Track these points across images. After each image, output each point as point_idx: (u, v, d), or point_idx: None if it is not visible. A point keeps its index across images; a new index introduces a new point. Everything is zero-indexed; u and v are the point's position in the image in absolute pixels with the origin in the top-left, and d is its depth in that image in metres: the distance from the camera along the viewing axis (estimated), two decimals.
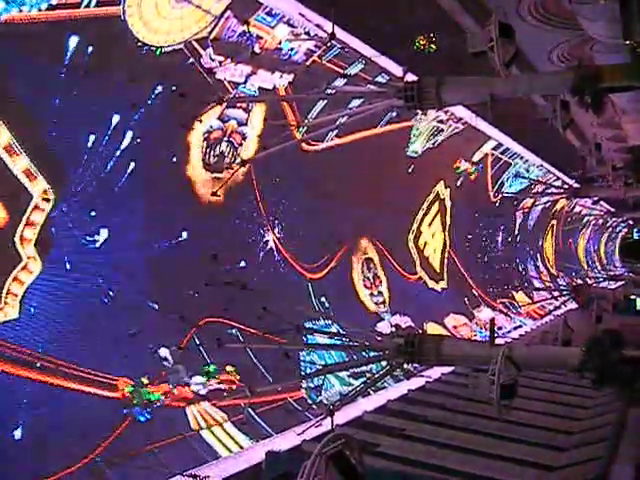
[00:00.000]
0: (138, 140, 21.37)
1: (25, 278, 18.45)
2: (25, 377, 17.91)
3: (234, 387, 23.34)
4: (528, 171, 53.64)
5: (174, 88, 21.50)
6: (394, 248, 39.33)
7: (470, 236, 51.68)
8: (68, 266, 19.83)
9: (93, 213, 20.60)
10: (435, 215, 45.11)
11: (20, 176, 18.16)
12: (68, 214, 19.58)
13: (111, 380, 20.09)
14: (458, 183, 46.88)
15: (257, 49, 23.32)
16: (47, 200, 18.75)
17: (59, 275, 19.52)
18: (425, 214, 43.55)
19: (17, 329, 18.14)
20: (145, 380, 20.98)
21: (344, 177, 33.20)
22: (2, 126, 17.50)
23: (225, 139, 24.97)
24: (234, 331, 24.16)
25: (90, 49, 18.82)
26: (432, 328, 39.65)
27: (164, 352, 21.93)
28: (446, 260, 47.10)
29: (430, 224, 44.56)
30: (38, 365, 18.29)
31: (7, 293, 18.10)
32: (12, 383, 17.60)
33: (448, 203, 46.55)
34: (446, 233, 47.21)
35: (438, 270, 45.90)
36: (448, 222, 47.17)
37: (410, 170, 39.66)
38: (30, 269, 18.57)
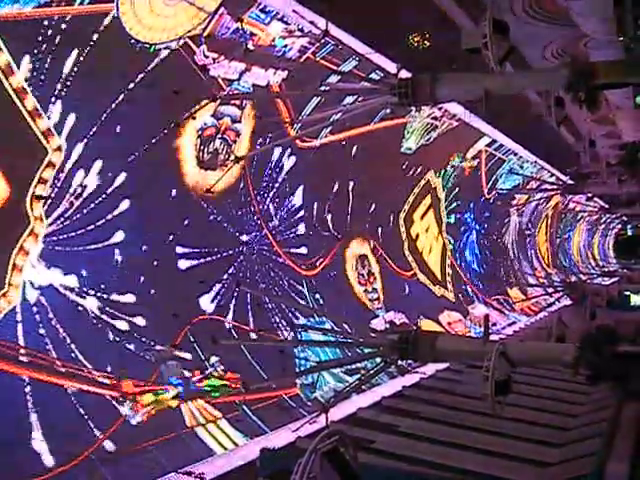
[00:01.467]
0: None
1: (29, 246, 18.48)
2: (18, 374, 17.87)
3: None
4: (522, 167, 53.72)
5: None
6: (388, 245, 39.37)
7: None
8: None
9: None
10: (428, 208, 45.00)
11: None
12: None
13: (108, 378, 20.05)
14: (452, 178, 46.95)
15: (251, 46, 23.28)
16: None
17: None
18: (416, 203, 43.30)
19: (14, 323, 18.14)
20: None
21: (339, 173, 33.27)
22: None
23: (219, 136, 24.94)
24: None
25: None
26: (426, 324, 39.69)
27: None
28: (448, 267, 47.21)
29: (422, 216, 44.44)
30: (31, 361, 18.25)
31: (13, 268, 18.12)
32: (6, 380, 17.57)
33: (441, 195, 46.45)
34: (444, 235, 47.31)
35: (440, 277, 46.02)
36: (444, 220, 47.22)
37: (404, 167, 39.78)
38: (36, 232, 18.62)
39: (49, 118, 18.64)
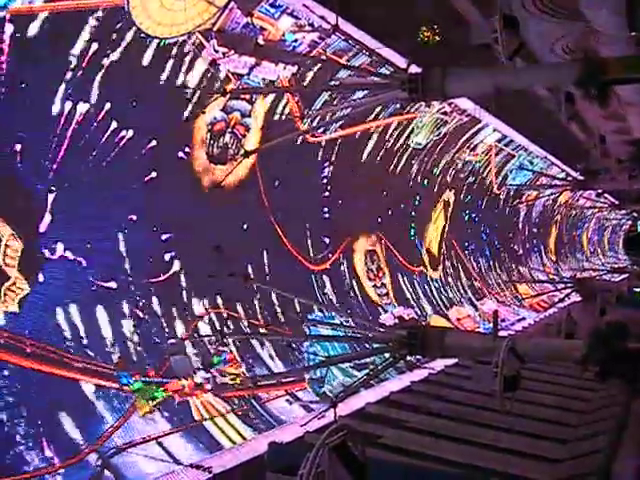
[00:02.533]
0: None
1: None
2: (28, 367, 17.95)
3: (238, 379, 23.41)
4: (532, 163, 53.51)
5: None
6: (398, 241, 39.36)
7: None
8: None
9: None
10: (439, 213, 45.29)
11: None
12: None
13: (115, 371, 20.14)
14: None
15: (261, 41, 23.28)
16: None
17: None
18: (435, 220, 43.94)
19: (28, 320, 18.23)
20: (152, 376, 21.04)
21: (348, 169, 33.26)
22: None
23: (229, 131, 24.96)
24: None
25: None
26: (435, 320, 39.68)
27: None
28: (444, 246, 47.17)
29: (435, 221, 44.74)
30: (39, 354, 18.33)
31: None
32: (13, 373, 17.64)
33: (452, 202, 46.77)
34: (447, 223, 47.34)
35: (436, 256, 46.00)
36: (450, 214, 47.28)
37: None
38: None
39: None
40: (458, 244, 48.52)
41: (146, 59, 20.95)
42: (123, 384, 20.56)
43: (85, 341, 19.94)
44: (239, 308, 25.46)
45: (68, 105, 19.30)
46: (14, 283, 18.23)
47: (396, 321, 32.24)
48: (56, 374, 18.65)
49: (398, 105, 31.20)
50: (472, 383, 15.16)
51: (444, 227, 46.65)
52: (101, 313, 20.78)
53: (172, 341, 22.21)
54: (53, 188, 19.19)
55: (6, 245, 18.24)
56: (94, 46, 19.08)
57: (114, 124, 20.62)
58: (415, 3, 23.64)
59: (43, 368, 18.31)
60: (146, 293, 22.47)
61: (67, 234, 19.82)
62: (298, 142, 28.43)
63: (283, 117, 26.42)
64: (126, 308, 21.68)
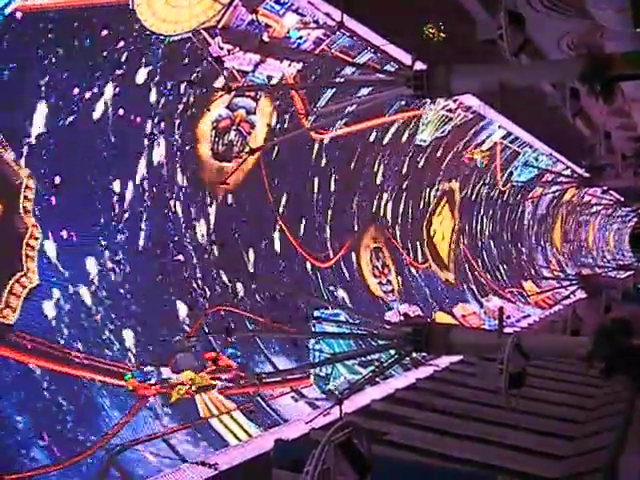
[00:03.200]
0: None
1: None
2: (35, 365, 18.00)
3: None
4: (537, 160, 53.45)
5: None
6: (403, 237, 39.39)
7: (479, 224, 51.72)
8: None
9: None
10: (444, 205, 45.13)
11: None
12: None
13: (121, 369, 20.18)
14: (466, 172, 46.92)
15: (266, 38, 23.28)
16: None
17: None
18: (435, 208, 43.67)
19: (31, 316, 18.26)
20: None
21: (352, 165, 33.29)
22: None
23: (234, 128, 24.97)
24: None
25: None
26: (441, 317, 39.70)
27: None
28: (453, 250, 47.17)
29: (439, 213, 44.59)
30: (47, 352, 18.37)
31: (26, 257, 18.24)
32: (21, 371, 17.68)
33: (457, 195, 46.60)
34: (455, 222, 47.28)
35: (446, 260, 45.96)
36: (457, 212, 47.20)
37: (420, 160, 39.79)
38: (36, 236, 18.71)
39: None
40: (465, 242, 48.54)
41: None
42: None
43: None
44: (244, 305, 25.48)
45: None
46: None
47: (401, 318, 32.20)
48: (61, 371, 18.68)
49: (403, 102, 31.36)
50: (477, 380, 15.17)
51: (452, 225, 46.71)
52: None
53: (177, 338, 22.23)
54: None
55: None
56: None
57: None
58: (420, 0, 23.64)
59: (48, 365, 18.34)
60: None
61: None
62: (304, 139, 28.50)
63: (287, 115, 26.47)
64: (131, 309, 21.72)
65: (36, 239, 18.58)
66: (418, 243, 41.79)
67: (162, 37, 20.71)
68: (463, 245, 48.37)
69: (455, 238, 47.31)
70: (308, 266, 30.09)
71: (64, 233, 19.40)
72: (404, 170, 38.76)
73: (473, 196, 49.39)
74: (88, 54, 18.97)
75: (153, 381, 20.87)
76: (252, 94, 25.30)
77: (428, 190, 42.62)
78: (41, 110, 18.41)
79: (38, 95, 18.26)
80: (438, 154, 41.42)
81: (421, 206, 42.09)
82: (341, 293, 32.00)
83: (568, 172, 52.32)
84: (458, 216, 47.47)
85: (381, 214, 37.30)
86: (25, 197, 18.28)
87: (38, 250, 18.59)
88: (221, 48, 22.24)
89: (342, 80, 25.47)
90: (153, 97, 21.56)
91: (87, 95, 19.48)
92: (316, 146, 29.70)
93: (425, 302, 39.70)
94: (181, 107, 22.49)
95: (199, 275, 24.17)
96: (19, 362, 17.63)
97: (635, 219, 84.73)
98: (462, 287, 46.38)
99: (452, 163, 44.10)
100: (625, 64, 14.84)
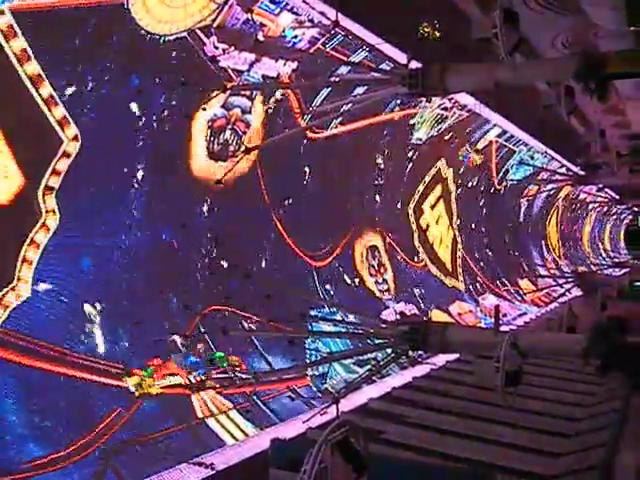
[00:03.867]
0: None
1: (41, 239, 18.51)
2: (30, 365, 17.96)
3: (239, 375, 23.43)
4: (532, 158, 53.53)
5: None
6: (399, 235, 39.39)
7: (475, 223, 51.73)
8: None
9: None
10: (438, 198, 45.00)
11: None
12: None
13: (117, 368, 20.15)
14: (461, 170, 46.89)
15: (261, 37, 23.29)
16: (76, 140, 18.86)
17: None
18: (426, 191, 43.31)
19: (25, 315, 18.19)
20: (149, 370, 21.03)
21: (348, 164, 33.28)
22: None
23: (229, 127, 24.96)
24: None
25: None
26: (437, 315, 39.73)
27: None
28: (459, 259, 47.23)
29: (433, 207, 44.44)
30: (43, 352, 18.34)
31: (22, 261, 18.16)
32: (17, 371, 17.65)
33: (452, 187, 46.47)
34: (454, 227, 47.29)
35: (450, 268, 46.01)
36: (455, 212, 47.18)
37: (414, 157, 39.76)
38: (48, 226, 18.64)
39: (65, 107, 18.68)
40: (461, 240, 48.58)
41: None
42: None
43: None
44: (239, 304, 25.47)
45: None
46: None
47: (398, 317, 32.22)
48: (56, 371, 18.65)
49: (399, 101, 31.39)
50: (474, 378, 15.19)
51: (448, 225, 46.74)
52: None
53: (172, 338, 22.21)
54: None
55: None
56: None
57: None
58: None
59: (42, 365, 18.32)
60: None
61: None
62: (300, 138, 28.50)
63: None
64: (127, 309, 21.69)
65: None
66: (414, 242, 41.77)
67: (157, 36, 20.67)
68: (459, 244, 48.40)
69: (452, 237, 47.33)
70: (304, 265, 30.07)
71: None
72: (399, 167, 38.76)
73: (469, 194, 49.40)
74: (80, 54, 18.91)
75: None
76: (247, 93, 25.29)
77: (420, 181, 42.49)
78: None
79: None
80: (433, 151, 41.46)
81: (414, 199, 42.00)
82: (337, 292, 31.98)
83: (563, 170, 52.46)
84: (454, 215, 47.47)
85: (377, 212, 37.29)
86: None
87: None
88: (216, 47, 22.23)
89: (337, 79, 25.49)
90: (147, 97, 21.53)
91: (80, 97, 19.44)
92: (311, 145, 29.69)
93: (421, 300, 39.70)
94: (176, 107, 22.45)
95: (194, 274, 24.16)
96: (11, 361, 17.59)
97: (630, 217, 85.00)
98: (458, 285, 46.43)
99: (447, 159, 44.13)
100: (619, 62, 14.88)
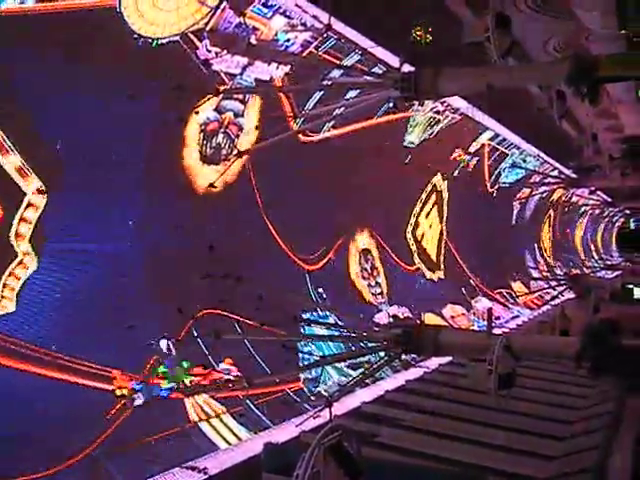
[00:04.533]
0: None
1: (21, 274, 18.45)
2: (21, 370, 17.90)
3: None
4: (525, 161, 53.64)
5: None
6: (391, 239, 39.39)
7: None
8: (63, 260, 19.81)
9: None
10: (432, 206, 45.16)
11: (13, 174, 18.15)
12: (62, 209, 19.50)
13: (108, 373, 20.10)
14: (455, 173, 46.94)
15: (253, 40, 23.28)
16: (42, 194, 18.67)
17: (55, 269, 19.49)
18: (423, 206, 43.61)
19: (14, 322, 18.13)
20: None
21: (341, 168, 33.26)
22: None
23: (222, 131, 24.95)
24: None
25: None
26: (430, 318, 39.72)
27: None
28: (443, 250, 47.21)
29: (427, 215, 44.61)
30: (34, 357, 18.28)
31: (3, 287, 18.09)
32: (8, 376, 17.59)
33: (445, 195, 46.65)
34: (443, 224, 47.32)
35: (435, 260, 45.98)
36: (445, 213, 47.26)
37: (407, 161, 39.78)
38: (26, 264, 18.56)
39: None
40: (452, 241, 48.60)
41: None
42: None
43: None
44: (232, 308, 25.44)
45: None
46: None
47: (391, 320, 32.24)
48: (46, 375, 18.60)
49: (391, 104, 31.37)
50: (467, 381, 15.22)
51: (440, 228, 46.77)
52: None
53: (164, 341, 22.16)
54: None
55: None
56: None
57: None
58: (408, 3, 23.69)
59: (33, 368, 18.26)
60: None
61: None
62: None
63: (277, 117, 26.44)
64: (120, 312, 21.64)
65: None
66: (407, 245, 41.81)
67: (150, 40, 20.65)
68: (451, 246, 48.41)
69: (444, 240, 47.36)
70: (297, 268, 30.05)
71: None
72: (392, 170, 38.75)
73: (461, 198, 49.43)
74: (73, 58, 18.86)
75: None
76: (240, 97, 25.28)
77: (416, 190, 42.60)
78: None
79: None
80: (426, 155, 41.46)
81: (409, 207, 42.11)
82: (330, 295, 31.95)
83: (556, 173, 52.61)
84: (446, 218, 47.51)
85: (370, 216, 37.28)
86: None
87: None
88: (209, 51, 22.22)
89: (330, 83, 25.48)
90: (141, 99, 21.48)
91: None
92: (304, 148, 29.68)
93: (414, 304, 39.70)
94: (169, 110, 22.42)
95: (187, 278, 24.11)
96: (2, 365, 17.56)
97: (622, 219, 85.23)
98: (451, 288, 46.44)
99: (440, 164, 44.18)
100: (611, 66, 14.93)
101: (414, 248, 42.41)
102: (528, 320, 49.32)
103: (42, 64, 18.09)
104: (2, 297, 17.99)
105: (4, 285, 18.08)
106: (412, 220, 42.37)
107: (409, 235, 41.88)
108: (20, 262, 18.44)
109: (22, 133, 18.18)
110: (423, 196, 43.30)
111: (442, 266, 46.67)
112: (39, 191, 18.59)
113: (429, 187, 43.87)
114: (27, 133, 18.36)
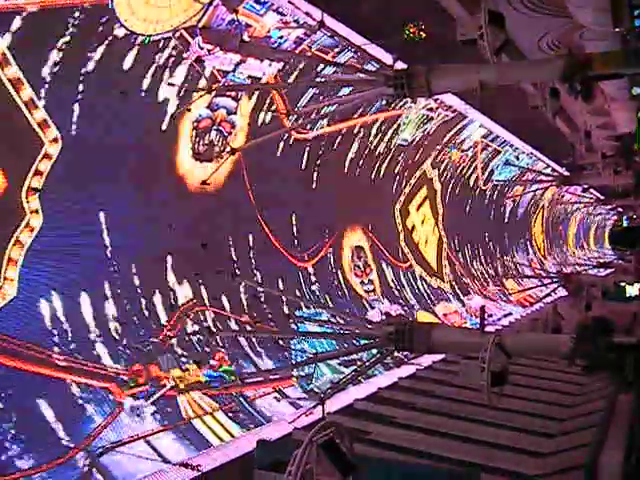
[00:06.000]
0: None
1: (26, 238, 18.46)
2: (15, 367, 17.88)
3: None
4: (518, 159, 53.73)
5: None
6: (384, 236, 39.47)
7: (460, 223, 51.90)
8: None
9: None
10: (424, 199, 45.11)
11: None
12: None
13: (102, 370, 20.09)
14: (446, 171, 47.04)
15: (246, 37, 23.24)
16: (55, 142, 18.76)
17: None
18: (412, 193, 43.47)
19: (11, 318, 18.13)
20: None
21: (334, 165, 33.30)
22: None
23: (214, 128, 24.92)
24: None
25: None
26: (422, 316, 39.79)
27: None
28: (444, 259, 47.37)
29: (418, 208, 44.56)
30: (28, 354, 18.26)
31: (8, 262, 18.09)
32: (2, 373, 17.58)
33: (437, 186, 46.61)
34: (440, 227, 47.41)
35: (436, 268, 46.12)
36: (440, 212, 47.31)
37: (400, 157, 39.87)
38: (32, 225, 18.58)
39: (45, 109, 18.63)
40: (446, 241, 48.69)
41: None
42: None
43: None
44: (226, 305, 25.46)
45: None
46: None
47: (383, 317, 32.29)
48: (41, 373, 18.58)
49: (384, 102, 31.39)
50: (460, 378, 15.20)
51: (434, 226, 46.84)
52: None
53: (158, 339, 22.17)
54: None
55: None
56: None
57: None
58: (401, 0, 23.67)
59: (28, 367, 18.23)
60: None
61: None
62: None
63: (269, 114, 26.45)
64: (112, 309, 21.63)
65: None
66: (399, 241, 41.86)
67: (142, 37, 20.60)
68: (445, 244, 48.51)
69: (437, 237, 47.44)
70: (290, 266, 30.07)
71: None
72: (384, 167, 38.82)
73: (454, 195, 49.54)
74: (65, 55, 18.82)
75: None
76: (233, 94, 25.25)
77: (406, 182, 42.60)
78: None
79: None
80: (418, 152, 41.55)
81: (400, 200, 42.12)
82: (323, 292, 31.98)
83: (549, 171, 52.61)
84: (439, 215, 47.59)
85: (363, 212, 37.32)
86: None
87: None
88: (201, 48, 22.18)
89: (323, 80, 25.49)
90: (133, 97, 21.47)
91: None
92: (296, 145, 29.69)
93: (407, 301, 39.77)
94: (161, 107, 22.41)
95: (180, 275, 24.12)
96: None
97: (615, 217, 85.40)
98: (444, 285, 46.54)
99: (432, 160, 44.26)
100: (604, 63, 14.93)
101: (402, 236, 42.33)
102: (521, 318, 49.40)
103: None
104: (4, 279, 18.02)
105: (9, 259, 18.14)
106: (401, 199, 42.22)
107: (398, 220, 41.75)
108: (27, 224, 18.51)
109: None
110: (412, 181, 43.14)
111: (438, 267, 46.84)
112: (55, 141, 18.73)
113: (418, 173, 43.72)
114: None
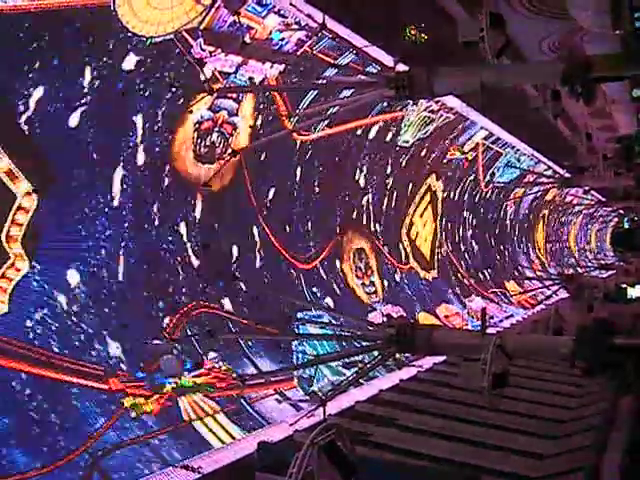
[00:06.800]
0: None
1: (13, 275, 18.40)
2: (16, 369, 17.85)
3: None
4: (519, 161, 53.70)
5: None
6: (386, 238, 39.44)
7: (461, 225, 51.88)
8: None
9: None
10: (426, 206, 45.19)
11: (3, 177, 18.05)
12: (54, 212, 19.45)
13: (102, 372, 20.06)
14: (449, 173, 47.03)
15: (247, 39, 23.23)
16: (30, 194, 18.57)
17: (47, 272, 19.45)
18: (417, 206, 43.67)
19: (7, 322, 18.07)
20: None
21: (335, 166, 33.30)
22: None
23: (216, 129, 24.91)
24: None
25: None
26: (424, 318, 39.76)
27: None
28: (437, 250, 47.29)
29: (422, 215, 44.65)
30: (29, 357, 18.23)
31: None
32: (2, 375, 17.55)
33: (440, 194, 46.70)
34: (437, 223, 47.38)
35: (428, 259, 46.02)
36: (440, 212, 47.31)
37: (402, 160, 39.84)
38: (17, 267, 18.50)
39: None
40: (448, 243, 48.68)
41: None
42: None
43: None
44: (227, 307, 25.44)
45: None
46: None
47: (385, 319, 32.28)
48: (43, 375, 18.55)
49: (385, 104, 31.42)
50: (461, 380, 15.20)
51: (435, 227, 46.82)
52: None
53: (157, 342, 22.12)
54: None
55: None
56: None
57: None
58: (403, 2, 23.69)
59: (29, 369, 18.21)
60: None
61: None
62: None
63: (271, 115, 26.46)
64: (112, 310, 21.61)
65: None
66: (401, 244, 41.84)
67: (144, 39, 20.60)
68: (446, 246, 48.48)
69: (438, 239, 47.41)
70: (291, 268, 30.05)
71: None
72: (387, 170, 38.81)
73: (456, 197, 49.53)
74: (66, 57, 18.80)
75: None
76: (234, 96, 25.26)
77: (411, 189, 42.64)
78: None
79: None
80: (421, 154, 41.53)
81: (404, 206, 42.14)
82: (324, 294, 31.96)
83: (550, 172, 52.65)
84: (441, 217, 47.57)
85: (364, 215, 37.30)
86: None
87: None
88: (203, 50, 22.18)
89: (324, 82, 25.47)
90: (133, 99, 21.46)
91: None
92: (298, 147, 29.69)
93: (408, 303, 39.75)
94: (162, 109, 22.39)
95: (181, 277, 24.10)
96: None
97: (616, 219, 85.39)
98: (445, 287, 46.50)
99: (435, 163, 44.22)
100: (605, 66, 14.95)
101: (409, 249, 42.44)
102: (522, 320, 49.39)
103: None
104: None
105: None
106: (407, 221, 42.43)
107: (404, 237, 41.92)
108: (12, 264, 18.39)
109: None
110: (417, 198, 43.36)
111: (435, 265, 46.77)
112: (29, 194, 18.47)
113: (424, 188, 43.92)
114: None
